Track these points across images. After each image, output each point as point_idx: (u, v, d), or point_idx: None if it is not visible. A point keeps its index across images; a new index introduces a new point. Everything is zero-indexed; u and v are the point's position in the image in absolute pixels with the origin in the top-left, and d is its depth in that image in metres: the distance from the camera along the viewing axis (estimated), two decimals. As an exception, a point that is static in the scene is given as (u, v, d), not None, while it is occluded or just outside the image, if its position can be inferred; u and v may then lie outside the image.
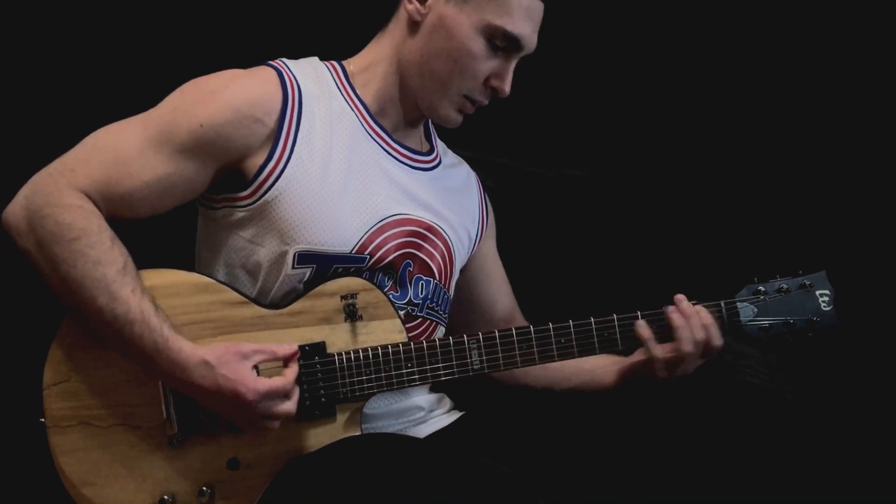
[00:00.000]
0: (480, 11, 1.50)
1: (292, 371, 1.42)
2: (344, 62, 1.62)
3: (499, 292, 1.83)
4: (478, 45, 1.51)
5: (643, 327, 1.54)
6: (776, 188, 2.22)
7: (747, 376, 2.10)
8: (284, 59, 1.56)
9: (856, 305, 1.84)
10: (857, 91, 2.20)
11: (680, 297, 1.56)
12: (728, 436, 1.81)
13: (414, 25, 1.55)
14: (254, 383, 1.37)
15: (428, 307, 1.62)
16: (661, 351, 1.54)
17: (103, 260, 1.37)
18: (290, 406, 1.41)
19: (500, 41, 1.51)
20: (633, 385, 1.65)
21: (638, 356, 1.61)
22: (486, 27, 1.50)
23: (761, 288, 1.60)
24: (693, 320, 1.53)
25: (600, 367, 1.69)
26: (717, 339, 1.55)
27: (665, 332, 1.55)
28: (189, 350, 1.38)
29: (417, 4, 1.54)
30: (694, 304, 1.57)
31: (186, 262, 1.58)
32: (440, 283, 1.64)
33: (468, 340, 1.52)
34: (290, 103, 1.49)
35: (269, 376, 1.41)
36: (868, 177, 2.19)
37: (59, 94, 2.04)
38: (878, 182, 2.19)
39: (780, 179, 2.23)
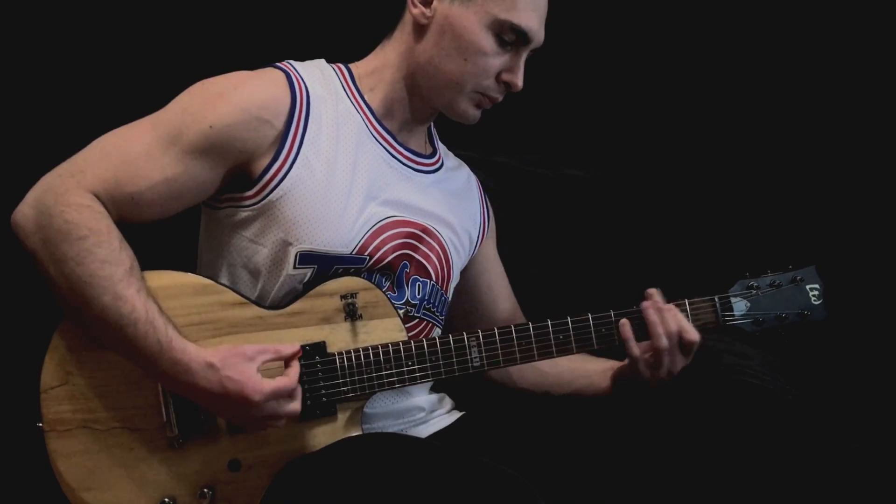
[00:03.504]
0: (486, 7, 1.50)
1: (295, 370, 1.41)
2: (350, 65, 1.63)
3: (500, 294, 1.83)
4: (487, 41, 1.51)
5: (625, 326, 1.55)
6: (770, 187, 2.23)
7: (748, 377, 2.09)
8: (291, 61, 1.56)
9: (855, 305, 1.84)
10: (843, 87, 2.21)
11: (652, 291, 1.57)
12: (729, 436, 1.81)
13: (421, 29, 1.55)
14: (259, 384, 1.37)
15: (425, 308, 1.62)
16: (638, 350, 1.55)
17: (111, 260, 1.36)
18: (295, 406, 1.40)
19: (508, 35, 1.51)
20: (627, 391, 1.65)
21: (626, 360, 1.62)
22: (493, 22, 1.50)
23: (753, 283, 1.62)
24: (666, 314, 1.54)
25: (597, 371, 1.69)
26: (692, 334, 1.55)
27: (642, 330, 1.56)
28: (193, 351, 1.37)
29: (422, 8, 1.54)
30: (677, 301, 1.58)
31: (188, 264, 1.57)
32: (437, 284, 1.64)
33: (468, 338, 1.52)
34: (298, 105, 1.49)
35: (272, 377, 1.40)
36: (857, 172, 2.20)
37: (66, 96, 2.04)
38: (867, 178, 2.20)
39: (774, 178, 2.23)
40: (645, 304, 1.56)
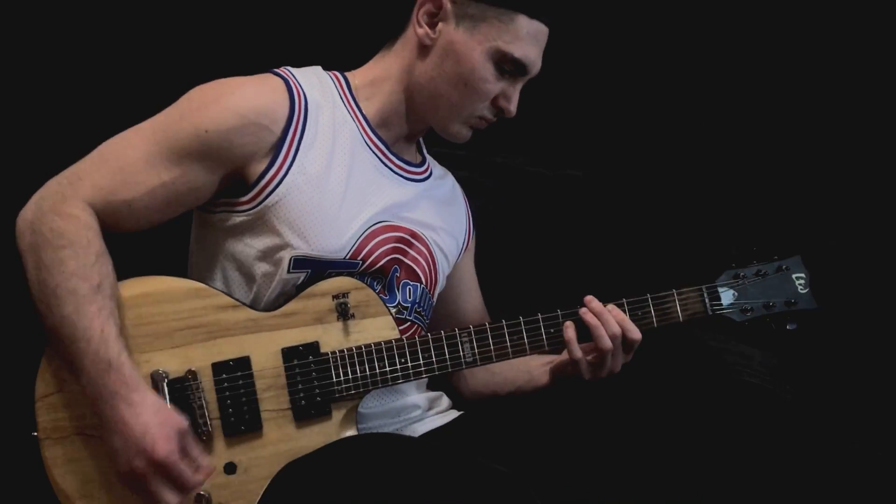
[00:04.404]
0: (490, 37, 1.52)
1: (200, 476, 1.36)
2: (347, 74, 1.63)
3: (470, 303, 1.84)
4: (487, 69, 1.53)
5: (569, 328, 1.54)
6: (769, 187, 2.23)
7: (748, 376, 2.10)
8: (289, 68, 1.57)
9: (854, 305, 1.84)
10: (825, 79, 2.22)
11: (589, 297, 1.56)
12: (728, 435, 1.80)
13: (424, 49, 1.56)
14: (172, 447, 1.32)
15: (416, 311, 1.63)
16: (581, 352, 1.54)
17: (80, 274, 1.35)
18: (174, 499, 1.34)
19: (508, 66, 1.54)
20: (565, 384, 1.65)
21: (564, 356, 1.61)
22: (494, 52, 1.52)
23: (740, 272, 1.63)
24: (605, 317, 1.54)
25: (536, 366, 1.70)
26: (635, 333, 1.55)
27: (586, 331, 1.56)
28: (143, 387, 1.34)
29: (427, 29, 1.55)
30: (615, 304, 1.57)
31: (178, 268, 1.57)
32: (426, 288, 1.65)
33: (460, 334, 1.52)
34: (296, 112, 1.50)
35: None
36: (843, 165, 2.21)
37: (69, 99, 2.04)
38: (854, 170, 2.20)
39: (773, 178, 2.24)
40: (582, 308, 1.55)
